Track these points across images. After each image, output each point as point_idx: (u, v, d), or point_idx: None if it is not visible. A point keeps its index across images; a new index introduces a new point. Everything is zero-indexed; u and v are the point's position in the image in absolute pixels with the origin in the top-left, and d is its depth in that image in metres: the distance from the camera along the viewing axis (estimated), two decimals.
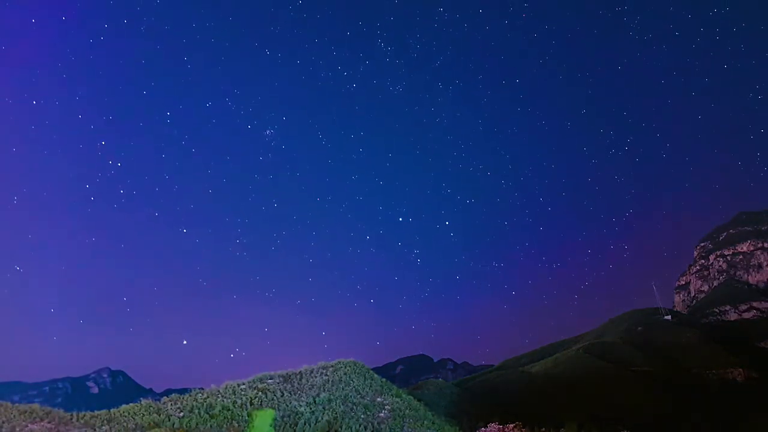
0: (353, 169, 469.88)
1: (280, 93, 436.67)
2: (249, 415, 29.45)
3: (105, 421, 25.16)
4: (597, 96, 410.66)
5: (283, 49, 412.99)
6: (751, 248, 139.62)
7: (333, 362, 41.13)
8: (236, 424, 27.60)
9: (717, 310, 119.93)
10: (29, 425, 21.11)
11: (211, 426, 27.01)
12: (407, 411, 34.16)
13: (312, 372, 38.60)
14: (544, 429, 35.73)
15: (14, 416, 22.19)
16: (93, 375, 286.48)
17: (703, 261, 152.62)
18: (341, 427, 28.99)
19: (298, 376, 37.30)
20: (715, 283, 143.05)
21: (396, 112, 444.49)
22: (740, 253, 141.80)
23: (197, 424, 27.10)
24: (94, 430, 23.75)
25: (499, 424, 30.39)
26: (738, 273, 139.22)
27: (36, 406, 24.71)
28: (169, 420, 27.17)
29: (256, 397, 32.00)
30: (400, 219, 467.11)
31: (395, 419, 31.87)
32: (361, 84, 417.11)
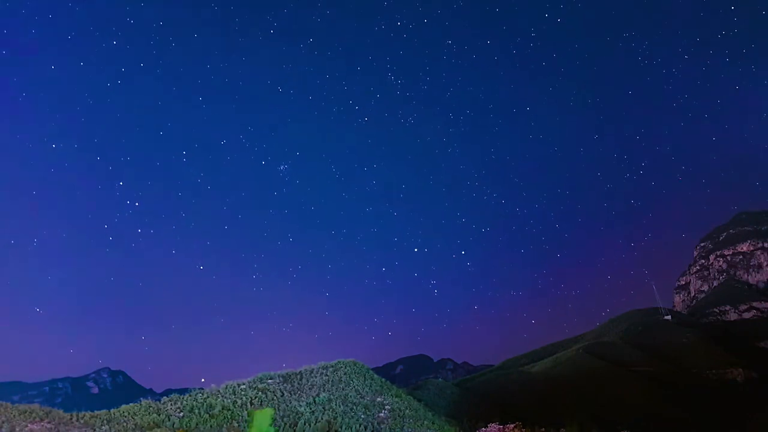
0: (367, 202, 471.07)
1: (293, 129, 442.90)
2: (249, 414, 29.45)
3: (105, 421, 25.16)
4: (609, 121, 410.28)
5: (295, 85, 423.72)
6: (751, 248, 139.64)
7: (333, 362, 41.14)
8: (236, 424, 27.60)
9: (717, 310, 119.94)
10: (29, 425, 21.11)
11: (211, 426, 27.01)
12: (407, 411, 34.17)
13: (312, 372, 38.60)
14: (544, 429, 35.73)
15: (14, 416, 22.18)
16: (93, 375, 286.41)
17: (703, 261, 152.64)
18: (341, 427, 28.99)
19: (298, 376, 37.30)
20: (715, 283, 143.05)
21: (408, 143, 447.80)
22: (740, 253, 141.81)
23: (197, 424, 27.10)
24: (94, 430, 23.75)
25: (499, 424, 30.38)
26: (738, 273, 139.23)
27: (36, 406, 24.72)
28: (169, 420, 27.17)
29: (256, 397, 32.00)
30: (416, 250, 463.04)
31: (395, 419, 31.87)
32: (372, 117, 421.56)
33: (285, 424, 28.99)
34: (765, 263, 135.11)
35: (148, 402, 29.83)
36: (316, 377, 37.40)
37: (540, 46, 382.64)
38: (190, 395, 31.82)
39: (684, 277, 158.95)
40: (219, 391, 32.86)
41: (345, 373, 38.78)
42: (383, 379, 41.47)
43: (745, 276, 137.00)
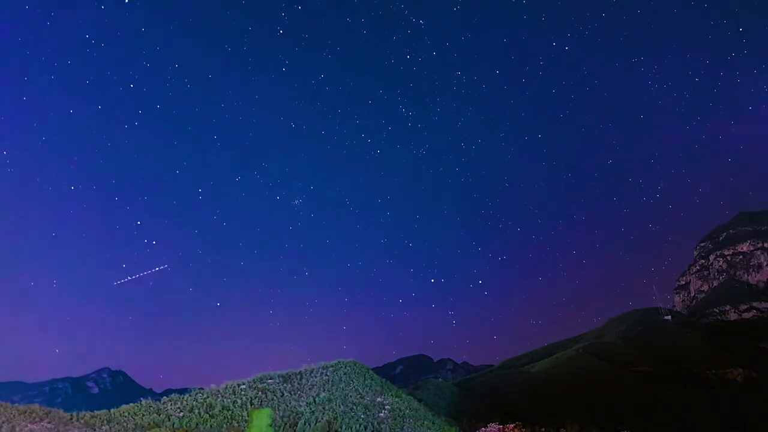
0: (382, 233, 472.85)
1: (307, 163, 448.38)
2: (249, 414, 29.47)
3: (105, 421, 25.17)
4: (622, 146, 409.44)
5: (307, 121, 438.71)
6: (751, 248, 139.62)
7: (333, 362, 41.10)
8: (236, 424, 27.60)
9: (717, 310, 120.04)
10: (29, 425, 21.11)
11: (211, 426, 27.01)
12: (407, 411, 34.17)
13: (312, 372, 38.59)
14: (544, 429, 35.70)
15: (14, 416, 22.19)
16: (93, 375, 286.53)
17: (703, 261, 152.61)
18: (341, 427, 28.99)
19: (298, 376, 37.30)
20: (715, 283, 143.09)
21: (421, 174, 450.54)
22: (740, 253, 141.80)
23: (197, 424, 27.10)
24: (94, 430, 23.75)
25: (499, 424, 30.37)
26: (738, 273, 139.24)
27: (36, 406, 24.71)
28: (169, 420, 27.17)
29: (256, 397, 32.01)
30: (432, 280, 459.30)
31: (395, 419, 31.88)
32: (385, 149, 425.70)
33: (285, 424, 28.98)
34: (765, 263, 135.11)
35: (148, 402, 29.80)
36: (316, 377, 37.39)
37: (549, 74, 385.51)
38: (190, 395, 31.81)
39: (684, 277, 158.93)
40: (219, 391, 32.84)
41: (345, 373, 38.77)
42: (383, 379, 41.45)
43: (745, 276, 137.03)
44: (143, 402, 29.72)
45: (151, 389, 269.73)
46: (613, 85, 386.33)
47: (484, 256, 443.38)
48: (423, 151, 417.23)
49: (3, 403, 23.49)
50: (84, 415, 25.72)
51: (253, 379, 35.64)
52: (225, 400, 31.01)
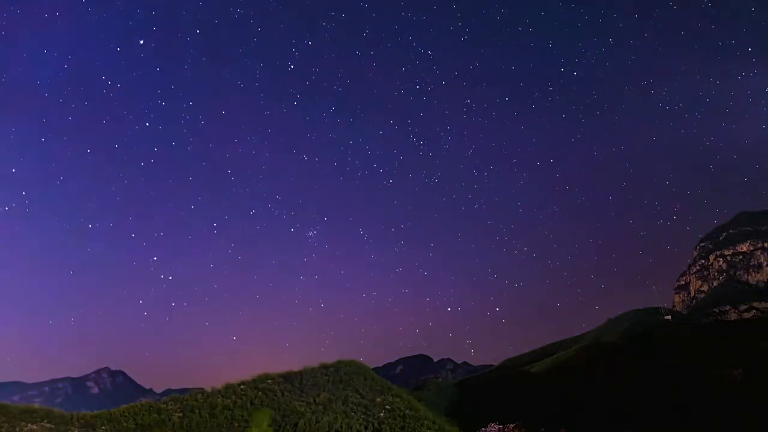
0: (396, 263, 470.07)
1: (320, 195, 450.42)
2: (249, 415, 29.45)
3: (105, 421, 25.19)
4: (636, 169, 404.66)
5: (320, 153, 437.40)
6: (751, 248, 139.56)
7: (333, 362, 41.11)
8: (236, 424, 27.61)
9: (717, 310, 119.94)
10: (29, 425, 21.13)
11: (211, 426, 27.02)
12: (407, 411, 34.16)
13: (312, 372, 38.59)
14: (543, 429, 35.76)
15: (14, 416, 22.21)
16: (93, 375, 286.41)
17: (703, 261, 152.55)
18: (341, 427, 28.98)
19: (298, 376, 37.30)
20: (715, 283, 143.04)
21: (434, 202, 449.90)
22: (740, 253, 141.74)
23: (197, 424, 27.11)
24: (94, 430, 23.77)
25: (499, 424, 30.42)
26: (738, 273, 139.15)
27: (36, 406, 24.76)
28: (169, 420, 27.18)
29: (256, 397, 32.01)
30: (449, 309, 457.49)
31: (395, 419, 31.88)
32: (397, 179, 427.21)
33: (285, 424, 28.98)
34: (765, 263, 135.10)
35: (148, 402, 29.84)
36: (316, 377, 37.40)
37: (558, 99, 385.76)
38: (190, 395, 31.82)
39: (684, 277, 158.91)
40: (219, 391, 32.85)
41: (345, 373, 38.77)
42: (383, 379, 41.45)
43: (745, 276, 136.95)
44: (143, 402, 29.74)
45: (151, 389, 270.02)
46: (623, 108, 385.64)
47: (499, 284, 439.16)
48: (435, 179, 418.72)
49: (3, 403, 23.53)
50: (84, 415, 25.74)
51: (253, 379, 35.63)
52: (225, 400, 31.01)
